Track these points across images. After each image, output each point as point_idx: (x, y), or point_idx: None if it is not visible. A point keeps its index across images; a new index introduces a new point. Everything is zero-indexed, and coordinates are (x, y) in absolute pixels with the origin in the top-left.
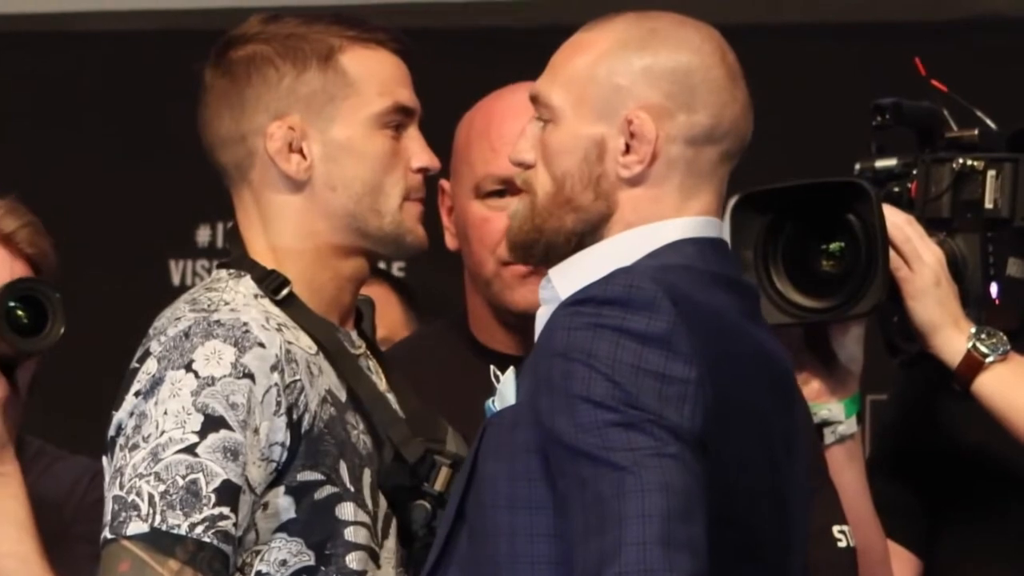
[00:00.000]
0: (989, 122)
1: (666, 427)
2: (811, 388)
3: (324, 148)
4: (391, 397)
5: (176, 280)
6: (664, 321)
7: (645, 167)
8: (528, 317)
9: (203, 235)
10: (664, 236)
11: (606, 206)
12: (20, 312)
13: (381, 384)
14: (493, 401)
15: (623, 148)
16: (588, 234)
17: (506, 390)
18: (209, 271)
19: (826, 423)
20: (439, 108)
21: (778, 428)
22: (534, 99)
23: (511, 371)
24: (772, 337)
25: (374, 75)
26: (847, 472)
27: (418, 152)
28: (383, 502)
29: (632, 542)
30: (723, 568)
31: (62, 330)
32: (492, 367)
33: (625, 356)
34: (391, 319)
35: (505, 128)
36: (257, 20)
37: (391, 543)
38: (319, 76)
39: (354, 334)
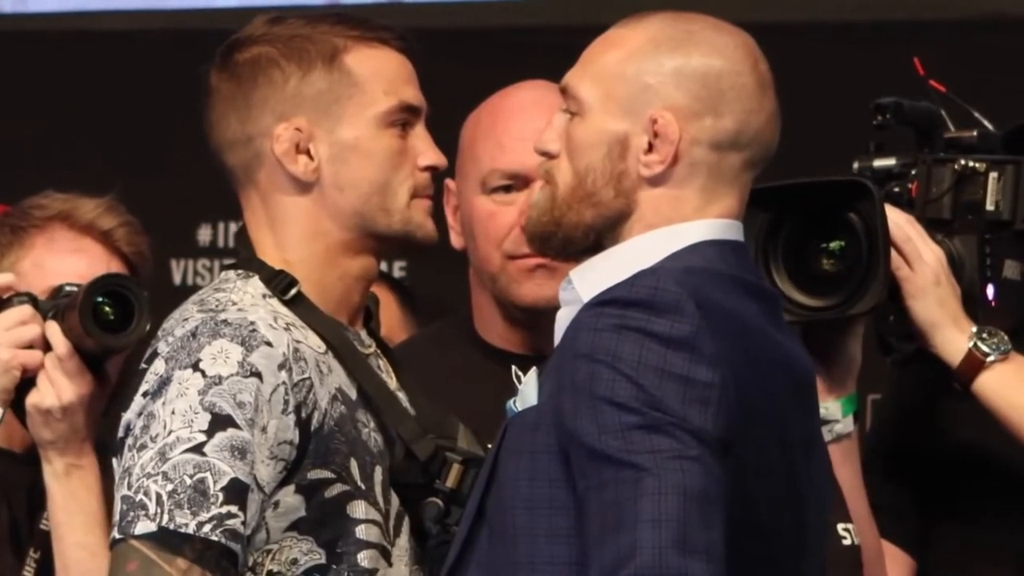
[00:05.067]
0: (986, 123)
1: (689, 430)
2: None
3: (331, 149)
4: (401, 395)
5: (177, 279)
6: (688, 324)
7: (666, 167)
8: (534, 312)
9: (204, 234)
10: (685, 238)
11: (626, 204)
12: (107, 308)
13: (391, 383)
14: (515, 401)
15: (645, 147)
16: (607, 230)
17: (528, 390)
18: (210, 270)
19: (823, 421)
20: (444, 108)
21: (798, 434)
22: (563, 90)
23: (533, 372)
24: (795, 342)
25: (379, 74)
26: (843, 471)
27: (425, 150)
28: (395, 500)
29: (647, 545)
30: (738, 574)
31: (148, 327)
32: (514, 368)
33: (650, 358)
34: (388, 320)
35: (512, 124)
36: (261, 22)
37: (403, 540)
38: (325, 77)
39: (363, 333)
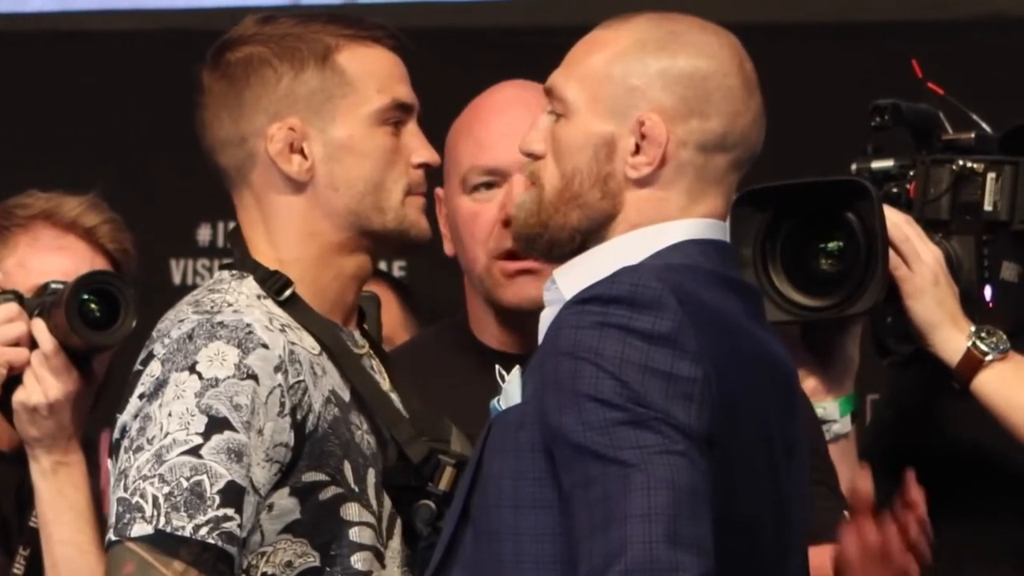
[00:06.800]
0: (984, 125)
1: (673, 425)
2: (807, 386)
3: (325, 148)
4: (394, 397)
5: (177, 279)
6: (670, 320)
7: (653, 169)
8: (521, 314)
9: (204, 234)
10: (668, 237)
11: (612, 205)
12: (93, 305)
13: (384, 384)
14: (498, 400)
15: (633, 149)
16: (593, 232)
17: (511, 389)
18: (210, 270)
19: (821, 421)
20: (441, 108)
21: (779, 431)
22: (548, 91)
23: (516, 370)
24: (776, 339)
25: (372, 73)
26: (840, 471)
27: (418, 148)
28: (387, 502)
29: (638, 540)
30: (722, 572)
31: (133, 324)
32: (498, 367)
33: (632, 355)
34: (390, 320)
35: (490, 122)
36: (252, 21)
37: (396, 543)
38: (317, 76)
39: (357, 334)
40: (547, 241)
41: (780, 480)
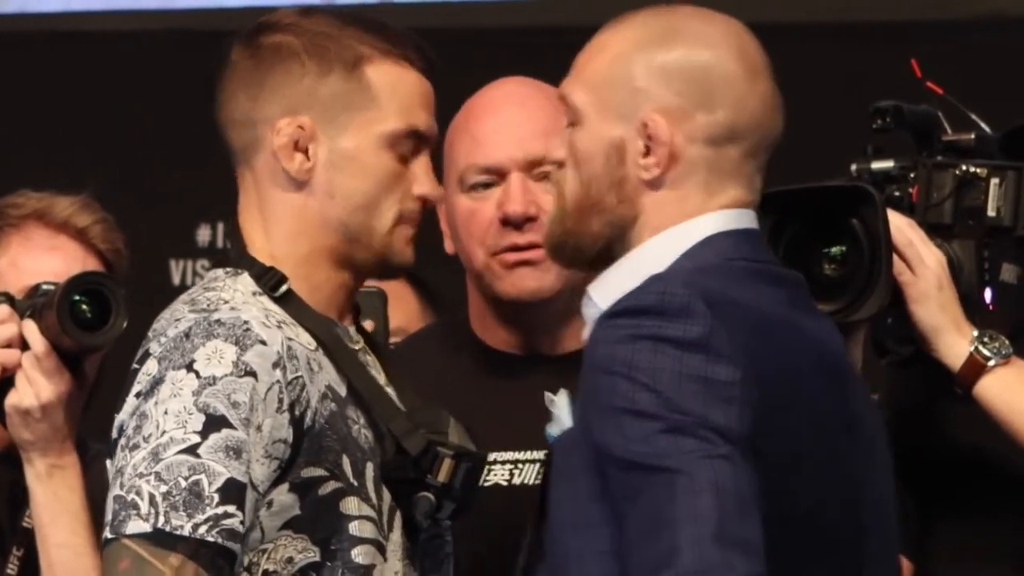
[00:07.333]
0: (984, 126)
1: (713, 429)
2: None
3: (330, 154)
4: (390, 391)
5: (176, 280)
6: (700, 325)
7: (664, 169)
8: (519, 305)
9: (204, 234)
10: (696, 235)
11: (631, 209)
12: (84, 306)
13: (380, 378)
14: (551, 427)
15: (643, 150)
16: (617, 238)
17: (561, 414)
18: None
19: None
20: (440, 108)
21: (835, 415)
22: (562, 99)
23: (563, 394)
24: (825, 323)
25: (396, 93)
26: None
27: (422, 178)
28: (387, 495)
29: (687, 543)
30: (788, 568)
31: (124, 325)
32: (547, 394)
33: (665, 364)
34: (406, 312)
35: (485, 120)
36: (293, 11)
37: (396, 535)
38: (341, 82)
39: (352, 329)
40: (572, 248)
41: (842, 464)
